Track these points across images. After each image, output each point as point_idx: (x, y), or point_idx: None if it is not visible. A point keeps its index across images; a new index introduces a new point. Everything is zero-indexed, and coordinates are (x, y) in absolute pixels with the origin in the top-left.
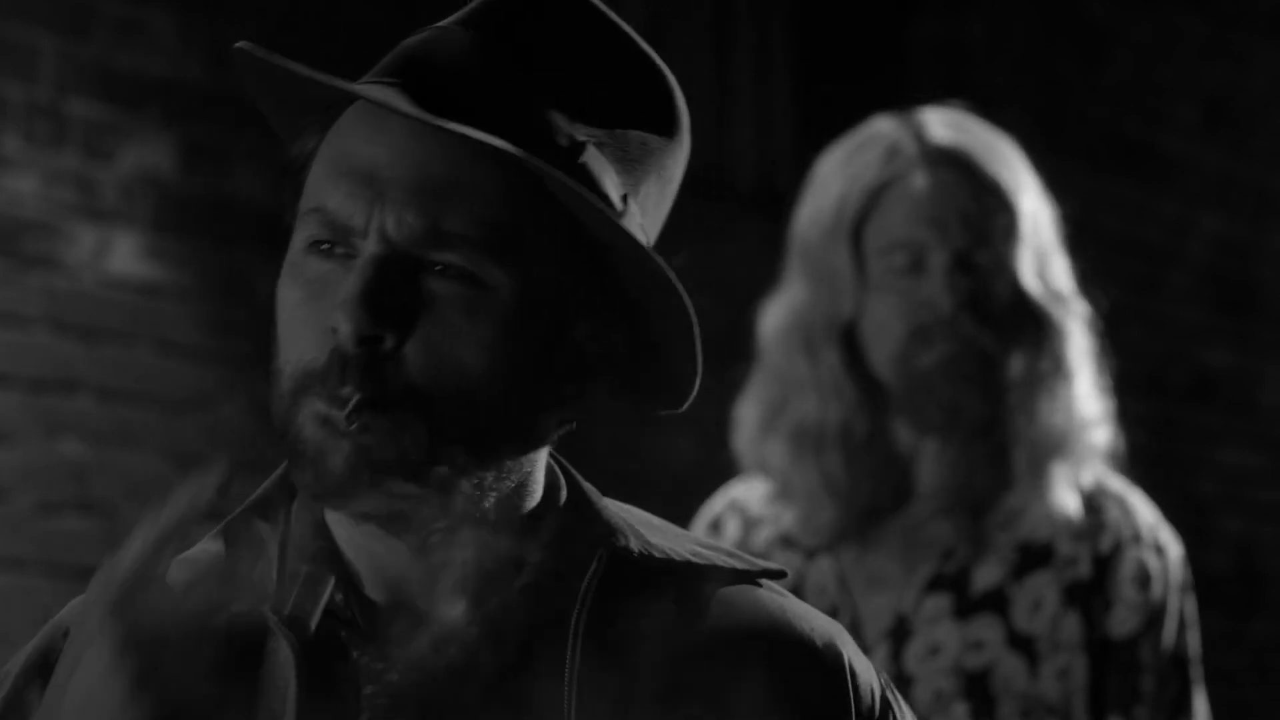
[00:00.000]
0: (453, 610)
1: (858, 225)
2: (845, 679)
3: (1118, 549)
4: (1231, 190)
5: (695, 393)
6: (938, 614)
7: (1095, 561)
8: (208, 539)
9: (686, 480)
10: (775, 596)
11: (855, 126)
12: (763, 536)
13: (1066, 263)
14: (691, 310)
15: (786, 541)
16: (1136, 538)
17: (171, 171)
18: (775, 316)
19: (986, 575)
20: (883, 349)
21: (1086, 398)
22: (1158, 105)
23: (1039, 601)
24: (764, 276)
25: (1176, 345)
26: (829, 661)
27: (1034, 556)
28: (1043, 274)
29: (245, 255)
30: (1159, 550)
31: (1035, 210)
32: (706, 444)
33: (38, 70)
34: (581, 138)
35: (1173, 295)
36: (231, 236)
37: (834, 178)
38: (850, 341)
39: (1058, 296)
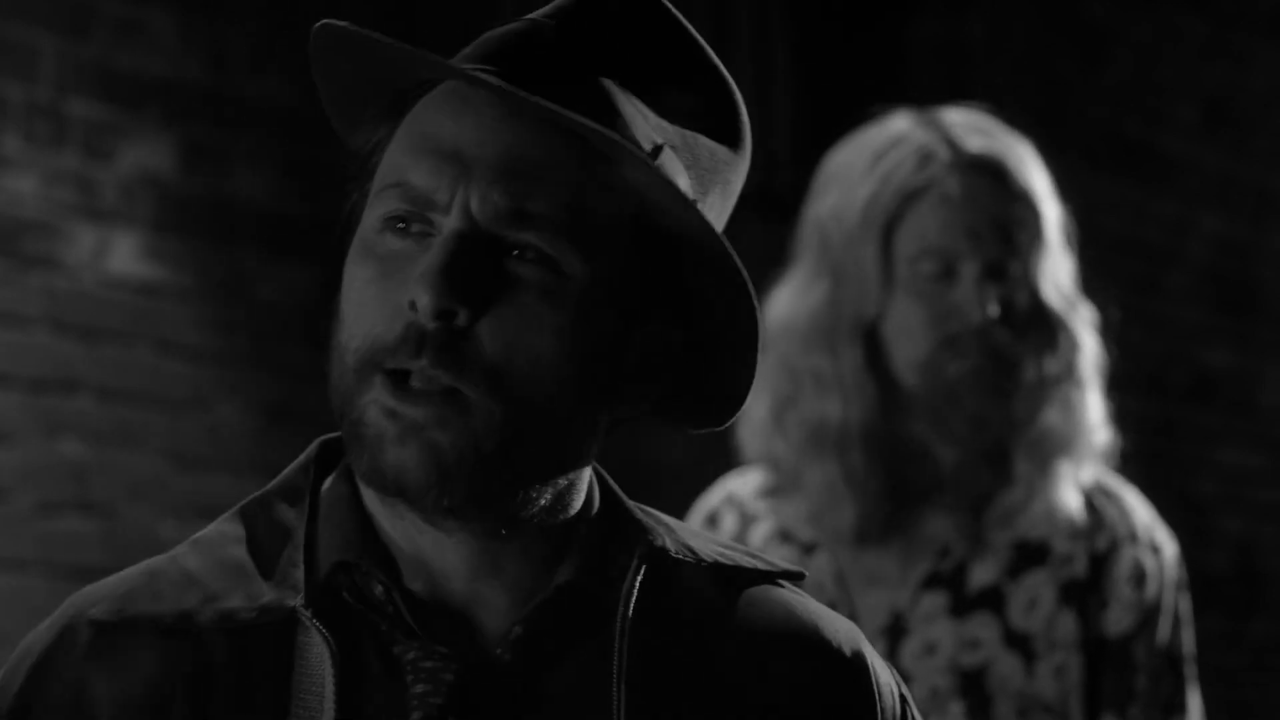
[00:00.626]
0: (499, 607)
1: (888, 227)
2: (870, 680)
3: (1114, 548)
4: (1231, 190)
5: (742, 408)
6: (934, 612)
7: (1092, 560)
8: (223, 520)
9: (682, 476)
10: (797, 598)
11: (856, 126)
12: (760, 531)
13: (1071, 265)
14: (760, 314)
15: (784, 536)
16: (1133, 536)
17: (171, 171)
18: (788, 309)
19: (983, 573)
20: (908, 353)
21: (1094, 405)
22: (1158, 105)
23: (1035, 600)
24: (763, 275)
25: (1176, 345)
26: (855, 664)
27: (1030, 555)
28: (1057, 280)
29: (245, 255)
30: (1155, 549)
31: (1053, 216)
32: (703, 438)
33: (38, 70)
34: (660, 141)
35: (1173, 295)
36: (231, 236)
37: (861, 176)
38: (871, 340)
39: (1071, 303)
